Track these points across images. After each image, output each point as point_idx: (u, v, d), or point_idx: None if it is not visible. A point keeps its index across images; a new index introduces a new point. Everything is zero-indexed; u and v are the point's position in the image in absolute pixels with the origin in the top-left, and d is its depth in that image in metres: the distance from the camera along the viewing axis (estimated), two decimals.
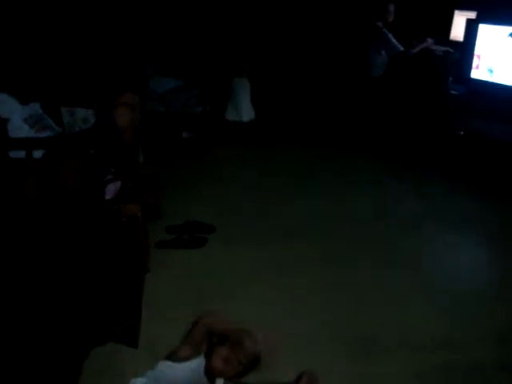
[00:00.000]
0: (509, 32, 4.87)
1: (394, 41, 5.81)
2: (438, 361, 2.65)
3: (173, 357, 2.03)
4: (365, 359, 2.66)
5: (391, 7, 5.84)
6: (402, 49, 5.80)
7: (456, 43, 5.84)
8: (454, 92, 5.46)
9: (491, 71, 5.09)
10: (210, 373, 1.96)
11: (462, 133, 5.65)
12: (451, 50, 5.75)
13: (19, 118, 3.17)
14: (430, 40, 5.87)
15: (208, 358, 1.99)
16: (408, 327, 2.91)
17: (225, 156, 5.51)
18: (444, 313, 3.05)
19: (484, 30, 5.10)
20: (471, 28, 5.27)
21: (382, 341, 2.79)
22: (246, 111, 6.07)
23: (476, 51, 5.21)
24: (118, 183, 3.11)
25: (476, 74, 5.24)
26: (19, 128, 3.15)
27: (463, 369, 2.61)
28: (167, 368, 1.99)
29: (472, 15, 5.61)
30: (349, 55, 6.40)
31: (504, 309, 3.12)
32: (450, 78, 5.48)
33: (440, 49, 5.81)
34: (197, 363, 1.99)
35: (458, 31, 5.87)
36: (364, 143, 5.92)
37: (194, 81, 5.97)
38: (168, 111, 5.53)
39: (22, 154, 2.81)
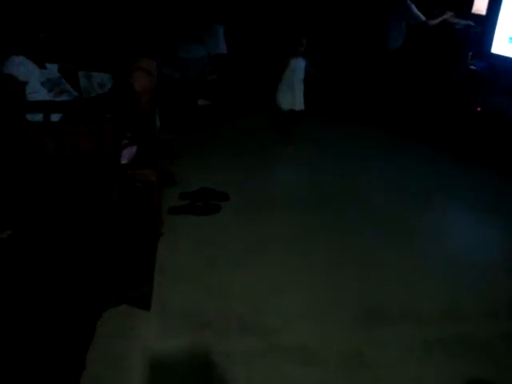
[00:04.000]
0: None
1: (416, 11, 5.72)
2: (441, 333, 2.69)
3: None
4: (367, 329, 2.70)
5: None
6: (424, 19, 5.71)
7: (478, 17, 5.73)
8: (473, 67, 5.38)
9: None
10: None
11: (479, 109, 5.59)
12: (473, 24, 5.65)
13: (37, 81, 3.18)
14: (449, 13, 5.77)
15: None
16: (413, 299, 2.94)
17: (240, 125, 5.50)
18: (449, 286, 3.08)
19: (508, 3, 4.99)
20: (494, 1, 5.17)
21: (386, 311, 2.83)
22: (299, 97, 5.13)
23: (498, 26, 5.12)
24: (134, 148, 3.13)
25: (497, 49, 5.16)
26: (37, 91, 3.16)
27: (467, 340, 2.65)
28: None
29: None
30: (369, 27, 6.32)
31: (509, 284, 3.15)
32: (470, 53, 5.39)
33: (461, 22, 5.71)
34: None
35: (480, 4, 5.75)
36: (379, 116, 5.88)
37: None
38: (184, 78, 5.51)
39: (39, 117, 2.83)
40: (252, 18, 6.45)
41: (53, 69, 3.37)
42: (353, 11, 6.53)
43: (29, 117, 2.98)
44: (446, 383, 2.39)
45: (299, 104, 5.12)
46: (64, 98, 3.30)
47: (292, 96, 5.07)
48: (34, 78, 3.17)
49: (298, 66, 5.06)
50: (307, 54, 5.08)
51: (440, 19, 5.73)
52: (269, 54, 5.92)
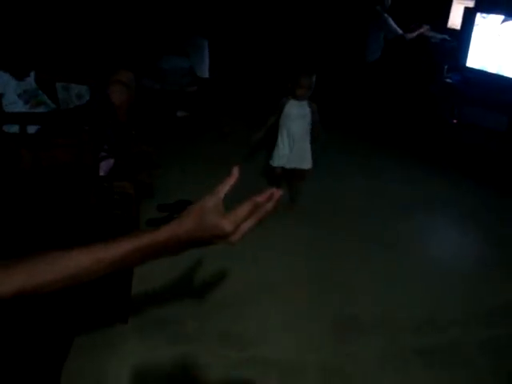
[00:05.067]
0: (495, 24, 4.89)
1: (393, 24, 5.82)
2: (417, 343, 2.73)
3: None
4: (346, 337, 2.73)
5: None
6: (400, 32, 5.81)
7: (453, 31, 5.85)
8: (448, 80, 5.47)
9: (486, 61, 5.10)
10: None
11: (455, 121, 5.68)
12: (448, 38, 5.77)
13: (13, 93, 3.17)
14: (425, 26, 5.89)
15: None
16: (389, 310, 2.98)
17: (219, 136, 5.51)
18: (425, 296, 3.12)
19: (481, 18, 5.10)
20: (468, 16, 5.27)
21: (364, 320, 2.87)
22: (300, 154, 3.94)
23: (472, 40, 5.22)
24: (111, 161, 3.13)
25: (471, 62, 5.26)
26: (13, 103, 3.16)
27: (444, 350, 2.68)
28: None
29: (470, 4, 5.62)
30: (347, 39, 6.39)
31: (488, 292, 3.20)
32: (446, 66, 5.49)
33: (437, 36, 5.83)
34: None
35: (455, 19, 5.87)
36: (357, 126, 5.93)
37: None
38: (163, 89, 5.52)
39: (15, 128, 2.82)
40: (238, 32, 6.48)
41: (30, 80, 3.36)
42: (332, 24, 6.61)
43: (5, 128, 2.96)
44: None
45: (300, 162, 3.93)
46: (41, 109, 3.29)
47: (290, 153, 3.90)
48: (11, 90, 3.17)
49: (298, 110, 3.80)
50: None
51: (417, 33, 5.85)
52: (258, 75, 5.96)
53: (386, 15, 5.84)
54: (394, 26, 5.84)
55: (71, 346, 2.45)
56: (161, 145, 4.42)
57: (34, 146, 2.72)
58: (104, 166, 3.08)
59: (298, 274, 3.24)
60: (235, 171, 1.01)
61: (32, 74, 3.41)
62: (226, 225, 0.91)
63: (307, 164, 3.91)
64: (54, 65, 3.87)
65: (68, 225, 2.70)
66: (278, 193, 0.98)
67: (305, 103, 3.80)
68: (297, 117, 3.81)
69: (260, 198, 0.95)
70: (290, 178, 4.05)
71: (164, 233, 0.94)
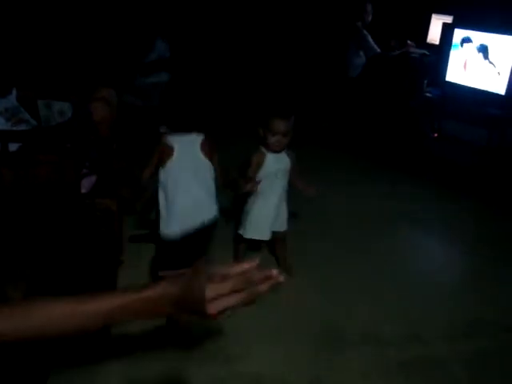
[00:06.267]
0: (478, 44, 4.99)
1: (371, 42, 5.91)
2: (402, 356, 2.74)
3: None
4: (327, 353, 2.73)
5: (369, 7, 5.96)
6: (378, 51, 5.90)
7: (432, 46, 5.96)
8: (428, 94, 5.56)
9: (465, 75, 5.19)
10: None
11: (435, 135, 5.77)
12: (427, 53, 5.86)
13: None
14: (410, 43, 5.98)
15: None
16: (374, 323, 2.99)
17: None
18: (410, 309, 3.14)
19: (459, 34, 5.20)
20: (447, 32, 5.37)
21: (350, 332, 2.88)
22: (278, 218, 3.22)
23: (451, 55, 5.31)
24: (93, 177, 3.12)
25: (451, 77, 5.35)
26: None
27: (427, 363, 2.70)
28: None
29: (449, 19, 5.73)
30: (328, 54, 6.47)
31: (471, 306, 3.23)
32: (425, 81, 5.58)
33: (417, 51, 5.92)
34: None
35: (434, 35, 5.98)
36: (339, 141, 5.99)
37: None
38: (146, 105, 5.52)
39: None
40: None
41: (11, 98, 3.35)
42: (313, 40, 6.68)
43: None
44: None
45: (280, 225, 3.25)
46: (22, 127, 3.28)
47: (269, 218, 3.14)
48: None
49: (277, 166, 3.03)
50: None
51: (402, 50, 5.94)
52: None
53: (365, 32, 5.93)
54: (372, 43, 5.93)
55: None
56: (143, 161, 4.42)
57: (15, 164, 2.71)
58: (86, 183, 3.07)
59: (284, 286, 3.23)
60: (256, 261, 0.92)
61: (13, 91, 3.40)
62: (210, 309, 0.86)
63: (285, 225, 3.28)
64: (36, 82, 3.86)
65: (50, 243, 2.70)
66: (277, 276, 0.90)
67: (283, 154, 3.03)
68: (276, 174, 3.03)
69: (254, 273, 0.88)
70: (272, 245, 3.45)
71: (151, 291, 0.89)
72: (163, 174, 2.68)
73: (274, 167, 3.00)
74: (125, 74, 5.41)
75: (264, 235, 3.16)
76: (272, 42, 6.66)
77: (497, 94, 4.88)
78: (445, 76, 5.41)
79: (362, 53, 6.02)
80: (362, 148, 5.82)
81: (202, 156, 2.65)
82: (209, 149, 2.67)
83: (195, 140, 2.65)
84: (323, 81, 6.44)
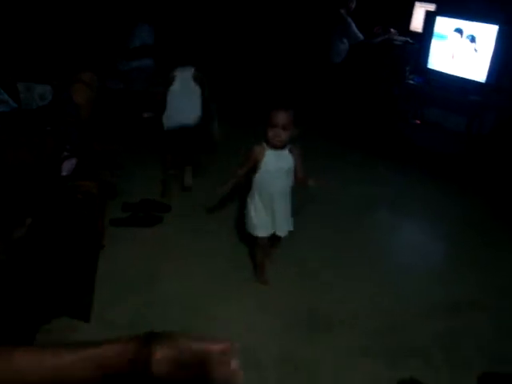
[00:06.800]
0: (455, 27, 5.04)
1: (355, 29, 5.94)
2: (377, 337, 2.79)
3: None
4: (311, 334, 2.78)
5: None
6: (362, 38, 5.93)
7: (415, 34, 5.99)
8: (411, 82, 5.60)
9: (447, 63, 5.24)
10: None
11: (418, 121, 5.82)
12: (410, 41, 5.90)
13: None
14: (393, 31, 6.01)
15: None
16: (354, 305, 3.04)
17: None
18: (388, 293, 3.19)
19: (442, 22, 5.23)
20: (429, 20, 5.40)
21: (325, 318, 2.91)
22: (281, 218, 3.07)
23: (434, 43, 5.35)
24: (74, 160, 3.13)
25: (433, 64, 5.39)
26: None
27: (402, 344, 2.75)
28: None
29: (431, 7, 5.76)
30: (312, 41, 6.49)
31: (448, 289, 3.28)
32: (408, 68, 5.61)
33: (400, 39, 5.96)
34: None
35: (417, 22, 6.01)
36: (321, 126, 6.00)
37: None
38: (129, 90, 5.50)
39: None
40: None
41: None
42: (298, 26, 6.69)
43: None
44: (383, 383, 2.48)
45: (283, 226, 3.08)
46: (2, 109, 3.26)
47: (272, 218, 3.01)
48: None
49: (277, 165, 2.87)
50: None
51: (385, 37, 5.97)
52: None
53: (349, 20, 5.95)
54: (356, 31, 5.96)
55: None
56: (126, 145, 4.43)
57: None
58: (67, 166, 3.07)
59: (268, 273, 3.26)
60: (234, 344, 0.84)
61: None
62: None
63: (289, 226, 3.12)
64: (16, 65, 3.85)
65: (30, 224, 2.70)
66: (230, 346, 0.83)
67: (285, 152, 2.86)
68: (277, 173, 2.88)
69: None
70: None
71: (108, 350, 0.81)
72: (168, 93, 4.06)
73: (274, 165, 2.85)
74: (108, 58, 5.39)
75: (260, 232, 3.04)
76: (256, 29, 6.66)
77: (477, 82, 4.93)
78: (427, 63, 5.45)
79: (345, 39, 6.04)
80: (343, 134, 5.85)
81: (193, 82, 4.04)
82: (200, 78, 4.06)
83: (189, 70, 4.03)
84: (306, 67, 6.45)
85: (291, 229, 3.12)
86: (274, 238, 3.15)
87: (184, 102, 4.04)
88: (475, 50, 4.92)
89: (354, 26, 5.95)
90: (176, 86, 4.03)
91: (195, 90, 4.05)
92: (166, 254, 3.39)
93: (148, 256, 3.35)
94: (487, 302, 3.16)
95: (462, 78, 5.08)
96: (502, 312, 3.07)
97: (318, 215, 4.05)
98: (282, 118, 2.74)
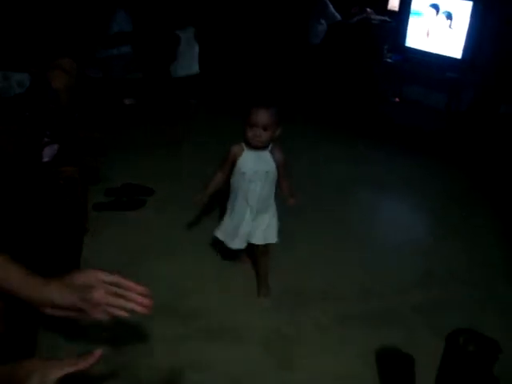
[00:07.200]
0: (430, 3, 5.09)
1: (332, 10, 5.97)
2: (359, 309, 2.86)
3: None
4: (289, 309, 2.83)
5: None
6: (339, 18, 5.97)
7: (393, 13, 6.04)
8: (389, 60, 5.65)
9: (424, 40, 5.29)
10: None
11: (397, 99, 5.88)
12: (388, 20, 5.95)
13: None
14: (369, 10, 6.05)
15: None
16: (334, 281, 3.10)
17: (169, 121, 5.52)
18: (368, 267, 3.26)
19: (419, 0, 5.28)
20: None
21: (308, 292, 2.97)
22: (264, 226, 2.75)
23: (411, 21, 5.40)
24: (55, 146, 3.14)
25: (410, 42, 5.44)
26: None
27: (381, 314, 2.83)
28: None
29: None
30: (289, 22, 6.48)
31: (430, 262, 3.37)
32: (386, 47, 5.67)
33: (377, 18, 6.00)
34: None
35: (395, 1, 6.05)
36: (301, 107, 6.02)
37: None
38: (107, 77, 5.50)
39: None
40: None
41: None
42: (275, 8, 6.68)
43: None
44: (364, 350, 2.55)
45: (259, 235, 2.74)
46: None
47: (247, 227, 2.72)
48: None
49: (255, 167, 2.59)
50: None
51: (357, 18, 6.00)
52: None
53: (326, 0, 5.98)
54: (333, 11, 6.00)
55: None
56: (108, 132, 4.44)
57: None
58: (48, 152, 3.09)
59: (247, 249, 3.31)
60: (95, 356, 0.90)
61: None
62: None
63: (273, 237, 2.76)
64: None
65: (12, 211, 2.72)
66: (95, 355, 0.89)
67: (265, 153, 2.60)
68: (254, 176, 2.59)
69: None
70: (252, 252, 2.98)
71: None
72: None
73: (251, 168, 2.57)
74: (85, 45, 5.36)
75: (232, 243, 2.76)
76: (231, 12, 6.63)
77: (454, 58, 5.00)
78: (404, 41, 5.51)
79: (323, 20, 6.06)
80: (324, 114, 5.88)
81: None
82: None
83: (191, 31, 5.45)
84: (284, 48, 6.45)
85: (273, 241, 2.77)
86: (257, 254, 2.90)
87: (187, 54, 5.51)
88: (449, 27, 4.98)
89: (331, 6, 5.98)
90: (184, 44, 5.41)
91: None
92: (151, 236, 3.42)
93: (132, 239, 3.38)
94: (467, 275, 3.25)
95: (438, 54, 5.15)
96: (481, 283, 3.16)
97: (300, 194, 4.10)
98: (262, 117, 2.46)
